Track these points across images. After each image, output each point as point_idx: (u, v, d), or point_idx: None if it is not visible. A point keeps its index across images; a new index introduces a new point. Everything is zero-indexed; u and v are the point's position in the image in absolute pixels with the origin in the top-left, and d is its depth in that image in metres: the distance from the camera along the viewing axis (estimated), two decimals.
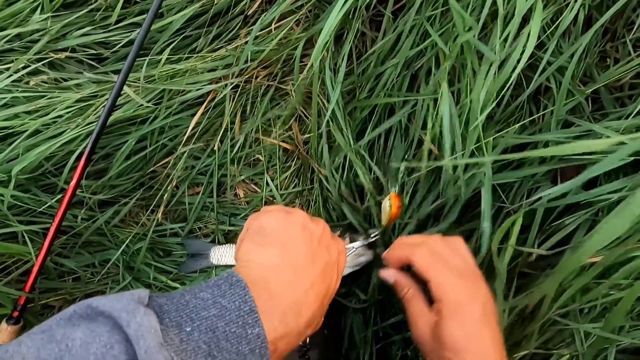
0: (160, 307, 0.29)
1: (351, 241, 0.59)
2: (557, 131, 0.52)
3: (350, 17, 0.58)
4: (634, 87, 0.57)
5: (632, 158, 0.49)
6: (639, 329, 0.50)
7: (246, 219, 0.73)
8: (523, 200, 0.54)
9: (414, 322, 0.44)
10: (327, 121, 0.62)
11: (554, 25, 0.51)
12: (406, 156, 0.65)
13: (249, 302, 0.30)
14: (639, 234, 0.48)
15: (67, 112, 0.67)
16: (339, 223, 0.64)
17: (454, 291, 0.41)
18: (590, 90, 0.56)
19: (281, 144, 0.71)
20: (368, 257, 0.60)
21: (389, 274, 0.47)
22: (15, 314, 0.59)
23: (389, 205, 0.60)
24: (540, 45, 0.56)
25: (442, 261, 0.42)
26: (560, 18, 0.51)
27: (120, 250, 0.71)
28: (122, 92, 0.69)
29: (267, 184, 0.71)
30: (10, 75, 0.70)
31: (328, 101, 0.63)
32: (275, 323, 0.32)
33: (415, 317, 0.43)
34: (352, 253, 0.57)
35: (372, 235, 0.59)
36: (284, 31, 0.67)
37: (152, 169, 0.73)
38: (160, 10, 0.73)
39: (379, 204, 0.62)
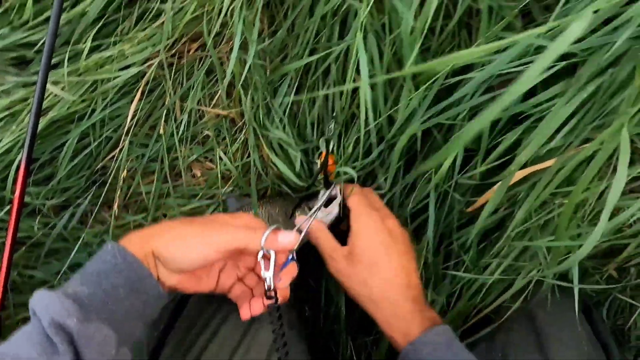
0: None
1: (310, 209, 0.58)
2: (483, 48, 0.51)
3: None
4: None
5: (565, 62, 0.48)
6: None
7: (205, 198, 0.72)
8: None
9: (330, 257, 0.52)
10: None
11: None
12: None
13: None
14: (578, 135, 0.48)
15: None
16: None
17: (366, 216, 0.52)
18: (519, 7, 0.54)
19: (226, 114, 0.70)
20: (331, 216, 0.59)
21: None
22: None
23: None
24: None
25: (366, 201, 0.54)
26: None
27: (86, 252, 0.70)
28: (49, 92, 0.66)
29: (220, 158, 0.70)
30: None
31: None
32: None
33: (331, 251, 0.52)
34: (313, 219, 0.57)
35: (321, 196, 0.58)
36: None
37: (101, 164, 0.72)
38: None
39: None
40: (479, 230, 0.56)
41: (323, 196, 0.55)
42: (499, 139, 0.55)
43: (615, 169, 0.47)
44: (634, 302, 0.63)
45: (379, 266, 0.49)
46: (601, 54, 0.47)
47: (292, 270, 0.45)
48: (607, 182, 0.49)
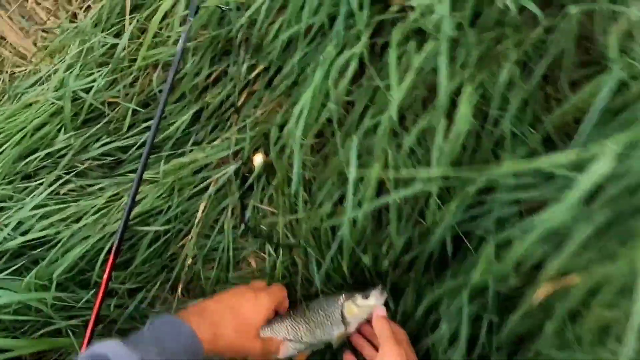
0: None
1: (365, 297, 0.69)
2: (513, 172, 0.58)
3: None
4: (578, 122, 0.64)
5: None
6: None
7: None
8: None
9: None
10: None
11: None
12: None
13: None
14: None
15: (95, 215, 0.78)
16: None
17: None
18: (540, 135, 0.62)
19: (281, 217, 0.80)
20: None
21: None
22: None
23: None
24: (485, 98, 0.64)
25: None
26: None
27: None
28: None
29: (270, 254, 0.79)
30: (45, 190, 0.81)
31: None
32: None
33: None
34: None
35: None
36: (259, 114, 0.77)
37: (171, 252, 0.82)
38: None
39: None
40: (510, 337, 0.60)
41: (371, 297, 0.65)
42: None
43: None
44: None
45: None
46: (619, 181, 0.53)
47: None
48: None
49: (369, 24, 0.68)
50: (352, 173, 0.57)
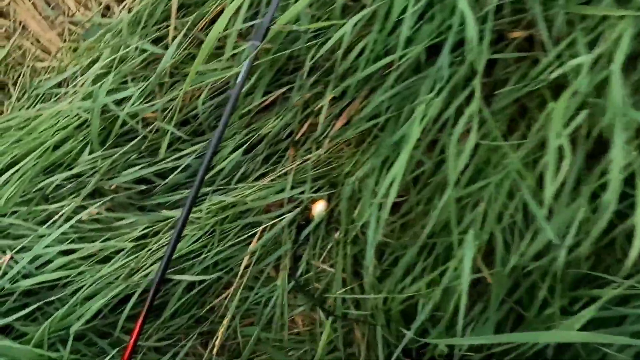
0: None
1: None
2: None
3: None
4: None
5: None
6: None
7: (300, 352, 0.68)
8: None
9: None
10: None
11: None
12: None
13: None
14: None
15: (122, 260, 0.66)
16: None
17: None
18: None
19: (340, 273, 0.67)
20: None
21: None
22: None
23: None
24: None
25: None
26: None
27: None
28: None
29: (322, 318, 0.67)
30: (67, 220, 0.69)
31: None
32: None
33: None
34: None
35: None
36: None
37: (208, 304, 0.71)
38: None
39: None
40: None
41: None
42: None
43: None
44: None
45: None
46: None
47: None
48: None
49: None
50: (464, 289, 0.43)
